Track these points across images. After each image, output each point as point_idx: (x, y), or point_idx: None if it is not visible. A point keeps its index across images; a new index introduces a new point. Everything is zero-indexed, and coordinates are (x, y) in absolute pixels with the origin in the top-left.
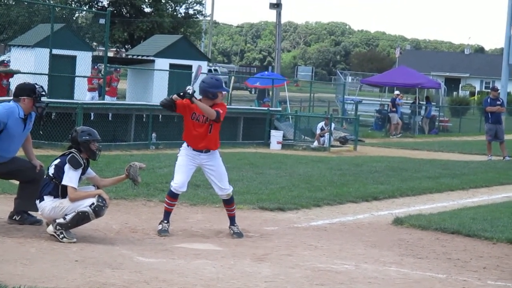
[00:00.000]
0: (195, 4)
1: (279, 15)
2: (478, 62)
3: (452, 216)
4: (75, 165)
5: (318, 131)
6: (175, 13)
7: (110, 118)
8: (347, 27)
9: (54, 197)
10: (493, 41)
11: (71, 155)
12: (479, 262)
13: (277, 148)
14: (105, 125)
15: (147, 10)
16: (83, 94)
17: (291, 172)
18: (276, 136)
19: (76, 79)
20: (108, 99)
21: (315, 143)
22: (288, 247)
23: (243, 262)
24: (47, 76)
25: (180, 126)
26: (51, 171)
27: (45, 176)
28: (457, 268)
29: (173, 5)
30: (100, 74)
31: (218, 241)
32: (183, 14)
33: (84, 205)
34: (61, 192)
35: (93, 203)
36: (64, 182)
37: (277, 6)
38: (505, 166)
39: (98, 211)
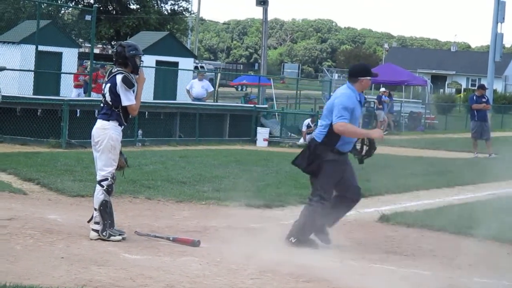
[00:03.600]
0: (181, 1)
1: (265, 12)
2: (464, 59)
3: (438, 213)
4: (130, 85)
5: (304, 128)
6: (161, 10)
7: (96, 115)
8: (333, 24)
9: (119, 124)
10: (479, 38)
11: (123, 75)
12: (464, 259)
13: (264, 145)
14: (91, 122)
15: (133, 6)
16: (69, 90)
17: (278, 169)
18: (262, 133)
19: (62, 75)
20: (94, 96)
21: (301, 140)
22: (275, 244)
23: (229, 259)
24: (33, 73)
25: (166, 123)
26: (109, 98)
27: (102, 104)
28: (443, 265)
29: (159, 1)
30: (86, 71)
31: (204, 238)
32: (169, 11)
33: (105, 173)
34: (123, 115)
35: (103, 186)
36: (124, 104)
37: (263, 3)
38: (491, 163)
39: (110, 191)
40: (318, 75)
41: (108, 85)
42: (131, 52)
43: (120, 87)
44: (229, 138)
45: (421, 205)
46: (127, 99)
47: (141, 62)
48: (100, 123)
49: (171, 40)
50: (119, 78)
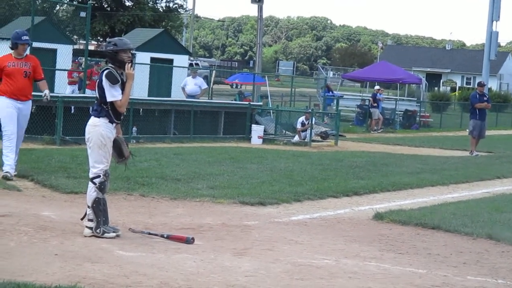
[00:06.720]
0: None
1: (260, 9)
2: (459, 57)
3: (433, 211)
4: (113, 81)
5: (299, 126)
6: (156, 7)
7: (90, 112)
8: (328, 22)
9: (110, 121)
10: (474, 37)
11: (107, 71)
12: (459, 258)
13: (258, 143)
14: (85, 118)
15: (128, 3)
16: (63, 87)
17: (272, 166)
18: (257, 130)
19: (57, 72)
20: (88, 93)
21: (296, 138)
22: (269, 242)
23: (223, 257)
24: None
25: (160, 121)
26: (97, 94)
27: (95, 101)
28: (437, 263)
29: None
30: (81, 68)
31: (198, 235)
32: (164, 8)
33: (97, 170)
34: (112, 112)
35: (95, 183)
36: (109, 99)
37: (258, 0)
38: (485, 162)
39: (103, 188)
40: (313, 72)
41: (98, 81)
42: (108, 47)
43: (105, 83)
44: (223, 135)
45: (416, 203)
46: (111, 95)
47: (131, 57)
48: (91, 120)
49: (165, 37)
50: (104, 73)
